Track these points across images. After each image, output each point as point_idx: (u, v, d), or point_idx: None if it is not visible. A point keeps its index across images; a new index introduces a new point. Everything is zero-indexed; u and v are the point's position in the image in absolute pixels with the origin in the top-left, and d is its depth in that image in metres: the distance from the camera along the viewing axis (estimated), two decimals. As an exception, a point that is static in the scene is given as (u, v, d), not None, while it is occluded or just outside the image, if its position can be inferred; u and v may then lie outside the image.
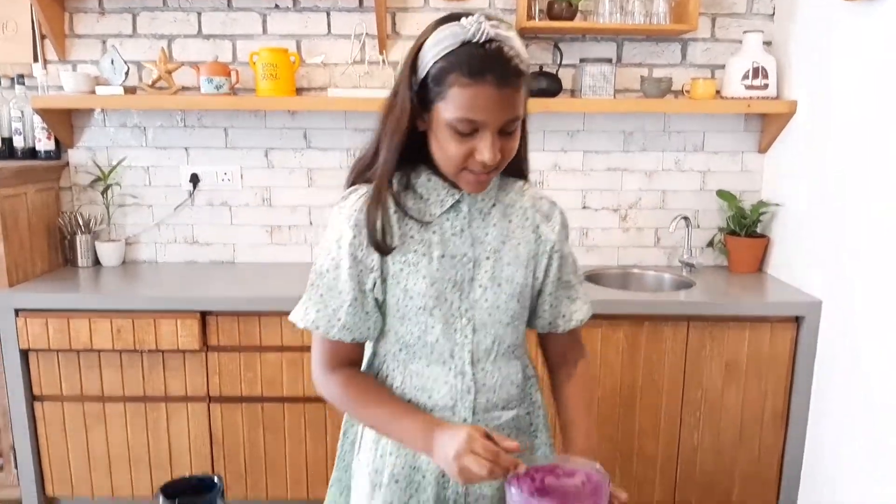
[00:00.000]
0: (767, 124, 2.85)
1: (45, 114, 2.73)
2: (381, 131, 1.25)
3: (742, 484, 2.65)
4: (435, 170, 1.26)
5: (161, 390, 2.58)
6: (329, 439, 2.60)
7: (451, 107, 1.14)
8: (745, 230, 2.86)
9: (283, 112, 2.87)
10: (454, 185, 1.26)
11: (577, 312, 1.40)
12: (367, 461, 1.35)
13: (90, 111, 2.87)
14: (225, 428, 2.61)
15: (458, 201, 1.28)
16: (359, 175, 1.30)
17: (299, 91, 2.84)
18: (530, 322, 1.41)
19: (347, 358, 1.33)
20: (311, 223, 2.98)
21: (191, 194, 2.92)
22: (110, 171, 2.85)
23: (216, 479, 1.19)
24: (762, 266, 2.90)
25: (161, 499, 1.12)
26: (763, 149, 2.90)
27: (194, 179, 2.88)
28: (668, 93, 2.82)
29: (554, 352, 1.45)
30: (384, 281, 1.27)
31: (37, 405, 2.59)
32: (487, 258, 1.29)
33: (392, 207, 1.24)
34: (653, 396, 2.58)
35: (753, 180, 2.96)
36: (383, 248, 1.23)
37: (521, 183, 1.37)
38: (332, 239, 1.27)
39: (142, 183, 2.93)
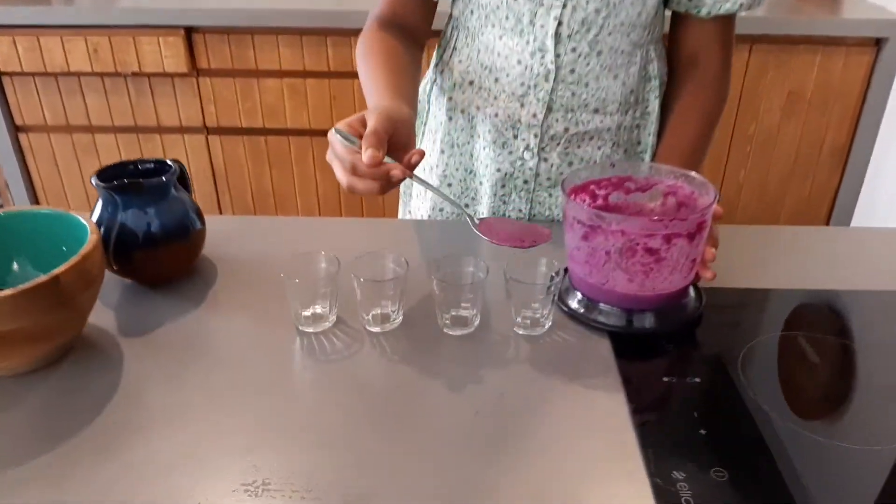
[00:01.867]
0: None
1: None
2: None
3: (788, 225, 2.38)
4: None
5: (153, 119, 2.25)
6: (341, 175, 2.31)
7: None
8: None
9: None
10: None
11: None
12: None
13: None
14: (227, 162, 2.31)
15: None
16: None
17: None
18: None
19: (401, 16, 1.02)
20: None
21: None
22: None
23: (170, 163, 0.89)
24: (839, -18, 2.39)
25: (94, 182, 0.83)
26: None
27: None
28: None
29: (685, 50, 1.02)
30: None
31: (22, 137, 2.29)
32: None
33: None
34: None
35: None
36: None
37: None
38: None
39: None
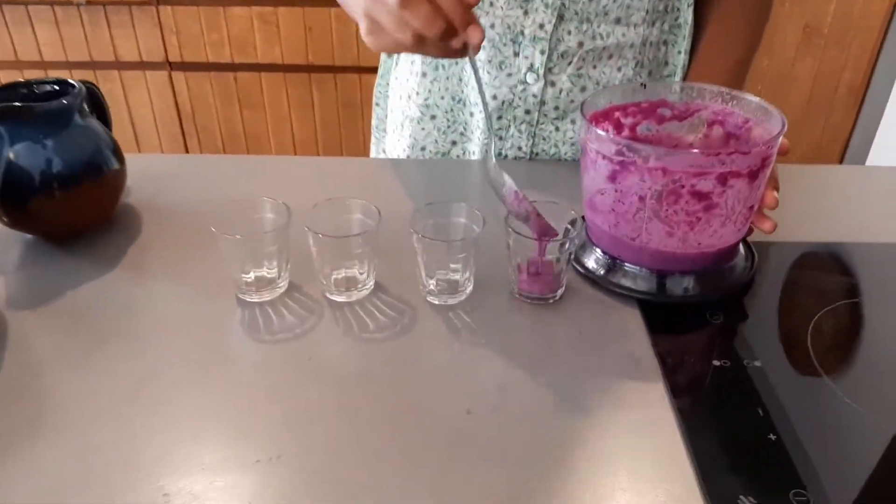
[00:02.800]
0: None
1: None
2: None
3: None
4: None
5: (111, 54, 2.01)
6: (318, 116, 2.09)
7: None
8: None
9: None
10: None
11: None
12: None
13: None
14: (194, 102, 2.08)
15: None
16: None
17: None
18: None
19: None
20: None
21: None
22: None
23: (75, 83, 0.68)
24: None
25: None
26: None
27: None
28: None
29: None
30: None
31: (-34, 74, 2.05)
32: None
33: None
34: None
35: None
36: None
37: None
38: None
39: None
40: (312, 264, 0.62)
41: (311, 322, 0.60)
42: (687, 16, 0.80)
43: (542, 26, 0.76)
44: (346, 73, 2.02)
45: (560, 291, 0.62)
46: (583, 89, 0.80)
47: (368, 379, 0.55)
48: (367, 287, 0.63)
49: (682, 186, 0.56)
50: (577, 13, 0.75)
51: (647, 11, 0.77)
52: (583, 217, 0.65)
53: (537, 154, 0.85)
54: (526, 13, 0.75)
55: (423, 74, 0.84)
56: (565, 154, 0.84)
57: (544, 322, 0.60)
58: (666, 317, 0.61)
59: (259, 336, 0.58)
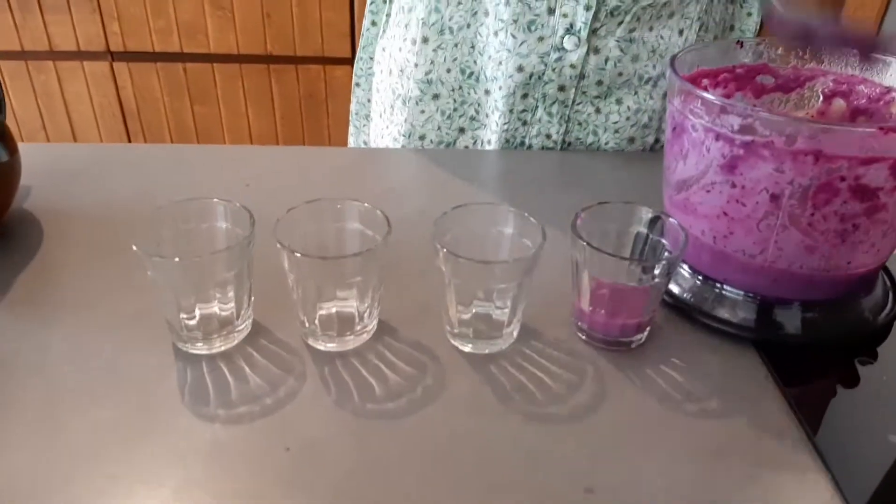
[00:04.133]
0: None
1: None
2: None
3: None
4: None
5: (44, 43, 1.76)
6: (278, 112, 1.87)
7: None
8: None
9: None
10: None
11: None
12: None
13: None
14: (138, 96, 1.84)
15: None
16: None
17: None
18: None
19: None
20: None
21: None
22: None
23: None
24: None
25: None
26: None
27: None
28: None
29: None
30: None
31: None
32: None
33: None
34: None
35: None
36: None
37: None
38: None
39: None
40: (288, 297, 0.42)
41: (287, 387, 0.39)
42: (761, -34, 0.62)
43: None
44: (308, 65, 1.81)
45: (647, 330, 0.43)
46: (634, 58, 0.60)
47: (376, 477, 0.35)
48: (367, 330, 0.43)
49: (843, 179, 0.37)
50: None
51: None
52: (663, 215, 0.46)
53: (570, 144, 0.66)
54: None
55: (424, 40, 0.63)
56: (606, 144, 0.65)
57: (630, 377, 0.41)
58: (796, 363, 0.42)
59: (208, 411, 0.38)
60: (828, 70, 0.48)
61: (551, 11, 0.58)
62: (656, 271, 0.40)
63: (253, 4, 1.71)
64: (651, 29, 0.60)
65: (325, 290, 0.40)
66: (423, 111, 0.66)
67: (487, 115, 0.65)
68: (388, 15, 0.69)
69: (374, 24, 0.72)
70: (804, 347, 0.43)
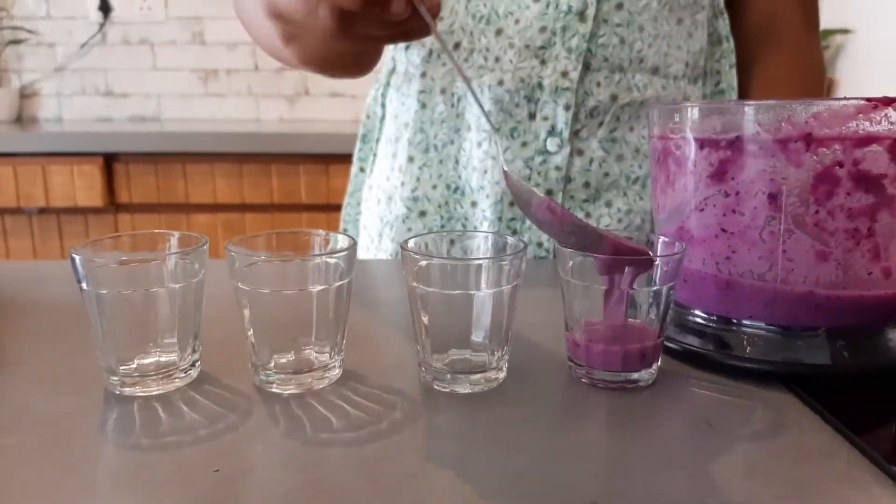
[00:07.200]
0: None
1: None
2: None
3: None
4: None
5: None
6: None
7: None
8: None
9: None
10: None
11: None
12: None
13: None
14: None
15: None
16: None
17: None
18: None
19: None
20: (255, 67, 2.20)
21: (101, 28, 2.13)
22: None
23: None
24: None
25: None
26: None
27: (104, 8, 2.10)
28: None
29: (754, 16, 0.68)
30: None
31: None
32: None
33: None
34: None
35: None
36: None
37: None
38: None
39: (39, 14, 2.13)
40: (242, 338, 0.37)
41: (227, 420, 0.33)
42: (730, 78, 0.64)
43: (565, 74, 0.58)
44: (286, 213, 1.85)
45: (656, 366, 0.37)
46: (619, 158, 0.61)
47: (323, 497, 0.27)
48: (331, 373, 0.37)
49: (840, 165, 0.35)
50: (606, 59, 0.59)
51: (688, 63, 0.61)
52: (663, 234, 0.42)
53: (563, 250, 0.64)
54: (543, 63, 0.59)
55: (410, 159, 0.65)
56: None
57: (640, 425, 0.34)
58: (844, 406, 0.36)
59: (131, 440, 0.31)
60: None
61: (532, 116, 0.60)
62: (653, 299, 0.36)
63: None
64: (632, 129, 0.61)
65: (284, 330, 0.36)
66: (409, 229, 0.65)
67: (476, 228, 0.64)
68: (375, 155, 0.72)
69: (361, 170, 0.74)
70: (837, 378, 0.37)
